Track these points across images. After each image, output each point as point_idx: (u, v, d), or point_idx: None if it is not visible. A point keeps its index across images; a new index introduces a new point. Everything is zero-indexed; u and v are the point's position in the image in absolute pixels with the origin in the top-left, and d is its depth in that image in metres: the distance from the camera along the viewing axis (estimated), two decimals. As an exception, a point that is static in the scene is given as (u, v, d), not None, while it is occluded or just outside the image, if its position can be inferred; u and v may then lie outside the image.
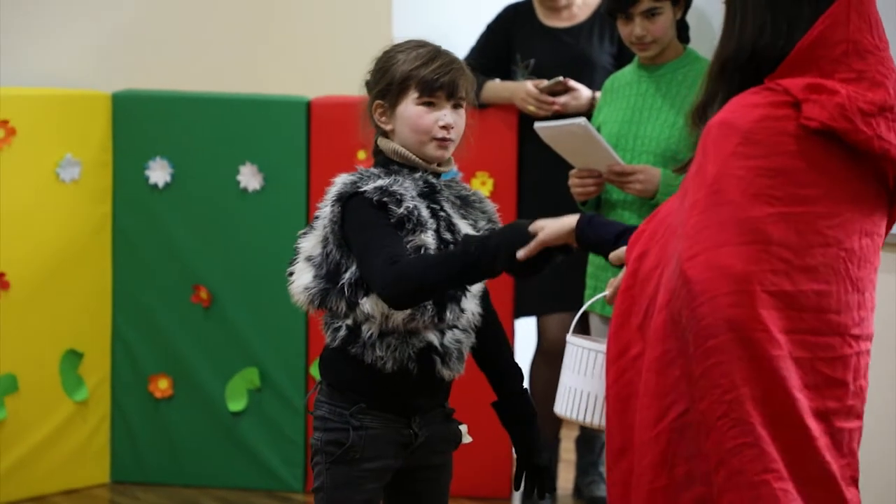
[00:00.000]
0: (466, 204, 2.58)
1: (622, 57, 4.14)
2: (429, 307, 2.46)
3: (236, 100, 4.53)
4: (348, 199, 2.47)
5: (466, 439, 2.65)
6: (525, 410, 2.67)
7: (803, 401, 2.10)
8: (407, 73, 2.52)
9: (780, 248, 2.09)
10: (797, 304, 2.09)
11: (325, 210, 2.50)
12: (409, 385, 2.51)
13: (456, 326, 2.54)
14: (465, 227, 2.53)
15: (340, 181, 2.51)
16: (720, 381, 2.07)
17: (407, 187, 2.48)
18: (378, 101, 2.56)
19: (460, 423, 2.65)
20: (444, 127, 2.52)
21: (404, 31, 4.91)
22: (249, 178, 4.47)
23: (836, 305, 2.12)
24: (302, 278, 2.53)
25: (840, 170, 2.14)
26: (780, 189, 2.10)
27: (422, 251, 2.43)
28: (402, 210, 2.44)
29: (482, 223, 2.58)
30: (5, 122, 4.28)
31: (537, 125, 3.65)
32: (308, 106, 4.47)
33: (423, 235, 2.45)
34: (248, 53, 4.84)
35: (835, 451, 2.14)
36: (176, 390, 4.55)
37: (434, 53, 2.55)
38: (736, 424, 2.07)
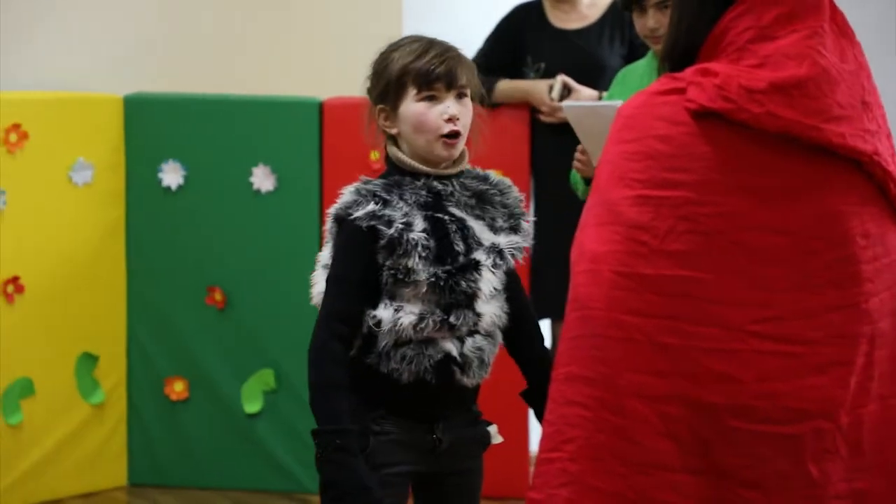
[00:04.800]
0: (483, 201, 2.50)
1: (632, 59, 4.12)
2: (436, 311, 2.42)
3: (248, 101, 4.53)
4: (342, 222, 2.44)
5: (497, 440, 2.57)
6: None
7: (639, 384, 2.05)
8: (402, 69, 2.45)
9: (636, 231, 2.08)
10: (657, 289, 2.06)
11: (329, 224, 2.48)
12: (428, 394, 2.45)
13: (477, 332, 2.47)
14: (479, 229, 2.46)
15: (344, 197, 2.45)
16: (558, 358, 2.15)
17: (401, 206, 2.41)
18: (380, 106, 2.50)
19: (489, 424, 2.57)
20: (449, 119, 2.44)
21: (414, 30, 4.90)
22: (262, 179, 4.47)
23: (714, 295, 2.06)
24: (319, 285, 2.51)
25: (744, 160, 2.08)
26: (643, 172, 2.10)
27: (411, 276, 2.39)
28: (392, 231, 2.38)
29: (500, 221, 2.49)
30: (18, 126, 4.28)
31: (566, 103, 3.63)
32: (320, 107, 4.47)
33: (409, 261, 2.39)
34: (259, 55, 4.84)
35: (706, 446, 2.06)
36: (192, 392, 4.55)
37: (427, 45, 2.48)
38: (549, 402, 2.15)
